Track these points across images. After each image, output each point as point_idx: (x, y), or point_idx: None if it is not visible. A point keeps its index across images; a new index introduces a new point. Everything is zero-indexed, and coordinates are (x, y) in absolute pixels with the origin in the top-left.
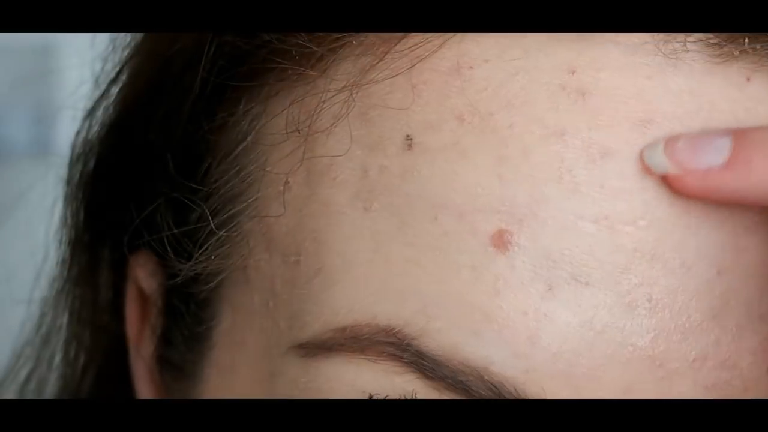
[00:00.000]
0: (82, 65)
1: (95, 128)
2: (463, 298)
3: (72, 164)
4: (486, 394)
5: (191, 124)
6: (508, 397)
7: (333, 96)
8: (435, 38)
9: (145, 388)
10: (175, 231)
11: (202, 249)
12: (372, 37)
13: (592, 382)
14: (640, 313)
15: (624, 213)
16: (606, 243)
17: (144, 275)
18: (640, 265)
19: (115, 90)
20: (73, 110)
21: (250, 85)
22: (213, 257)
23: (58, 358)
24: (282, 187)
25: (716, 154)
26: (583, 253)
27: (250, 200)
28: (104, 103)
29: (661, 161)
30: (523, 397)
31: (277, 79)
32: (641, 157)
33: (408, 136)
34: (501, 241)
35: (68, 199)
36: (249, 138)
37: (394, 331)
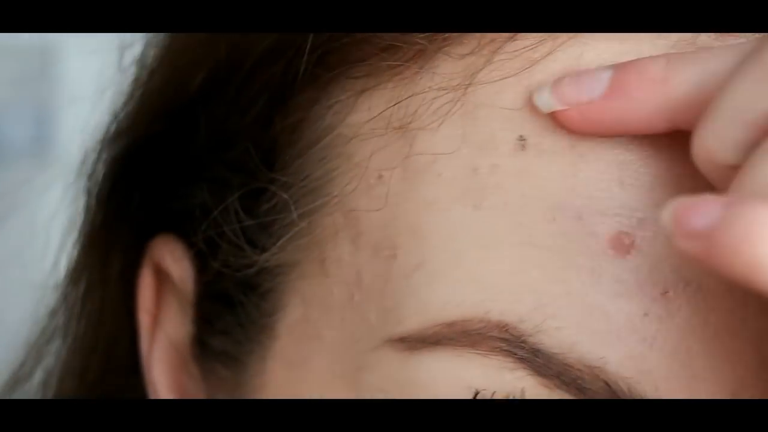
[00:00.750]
0: (82, 65)
1: (125, 114)
2: (583, 299)
3: (91, 152)
4: (600, 393)
5: (263, 117)
6: (621, 396)
7: (439, 94)
8: (548, 40)
9: (163, 375)
10: (251, 222)
11: (280, 240)
12: (471, 37)
13: (704, 382)
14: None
15: None
16: None
17: (172, 260)
18: None
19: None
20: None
21: (336, 78)
22: (288, 249)
23: (63, 353)
24: (373, 182)
25: (597, 85)
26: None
27: (333, 193)
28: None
29: (547, 99)
30: (636, 396)
31: (368, 73)
32: (531, 99)
33: (521, 136)
34: (620, 244)
35: (88, 186)
36: (335, 131)
37: (507, 327)
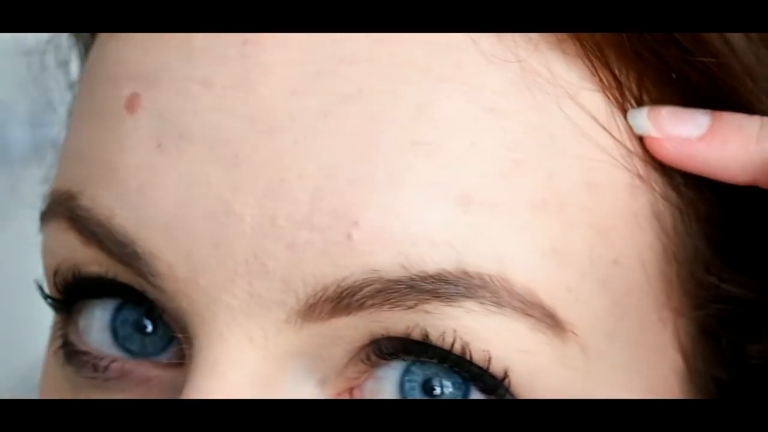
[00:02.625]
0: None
1: None
2: (101, 157)
3: None
4: (117, 252)
5: None
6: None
7: None
8: None
9: None
10: None
11: None
12: None
13: (188, 235)
14: (228, 168)
15: (227, 77)
16: (208, 103)
17: None
18: (234, 124)
19: None
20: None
21: None
22: None
23: None
24: None
25: (695, 126)
26: (189, 112)
27: None
28: None
29: (644, 123)
30: (142, 251)
31: None
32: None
33: None
34: (132, 103)
35: None
36: None
37: (66, 194)
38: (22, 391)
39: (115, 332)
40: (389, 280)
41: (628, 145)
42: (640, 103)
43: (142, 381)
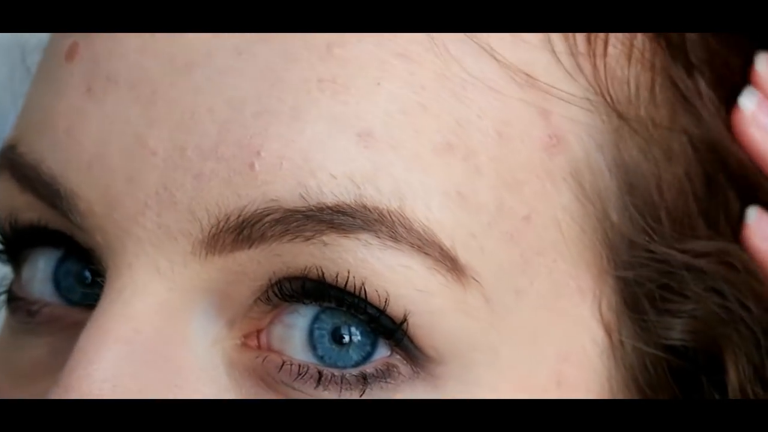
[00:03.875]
0: None
1: None
2: (39, 104)
3: None
4: (45, 193)
5: None
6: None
7: None
8: None
9: None
10: None
11: None
12: None
13: (105, 172)
14: (146, 105)
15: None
16: (136, 45)
17: None
18: (156, 63)
19: None
20: None
21: None
22: None
23: None
24: None
25: None
26: (118, 55)
27: None
28: None
29: (751, 106)
30: (64, 190)
31: None
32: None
33: None
34: (71, 52)
35: None
36: None
37: (9, 144)
38: None
39: (57, 283)
40: (288, 210)
41: (546, 104)
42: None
43: (72, 325)
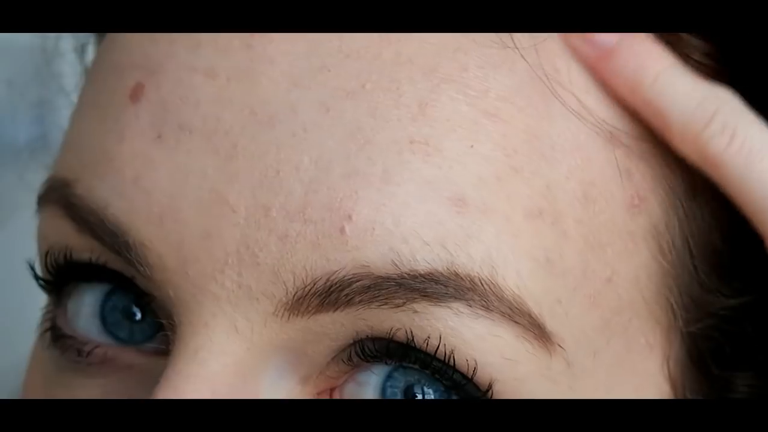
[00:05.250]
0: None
1: None
2: (100, 146)
3: None
4: (109, 241)
5: None
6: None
7: None
8: None
9: None
10: None
11: None
12: None
13: (179, 226)
14: (225, 159)
15: (231, 68)
16: (210, 94)
17: None
18: (234, 115)
19: None
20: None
21: None
22: None
23: None
24: None
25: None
26: (191, 103)
27: None
28: None
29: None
30: (133, 241)
31: None
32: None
33: None
34: (135, 93)
35: None
36: None
37: (62, 181)
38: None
39: (103, 318)
40: (379, 277)
41: (628, 162)
42: None
43: (125, 367)
